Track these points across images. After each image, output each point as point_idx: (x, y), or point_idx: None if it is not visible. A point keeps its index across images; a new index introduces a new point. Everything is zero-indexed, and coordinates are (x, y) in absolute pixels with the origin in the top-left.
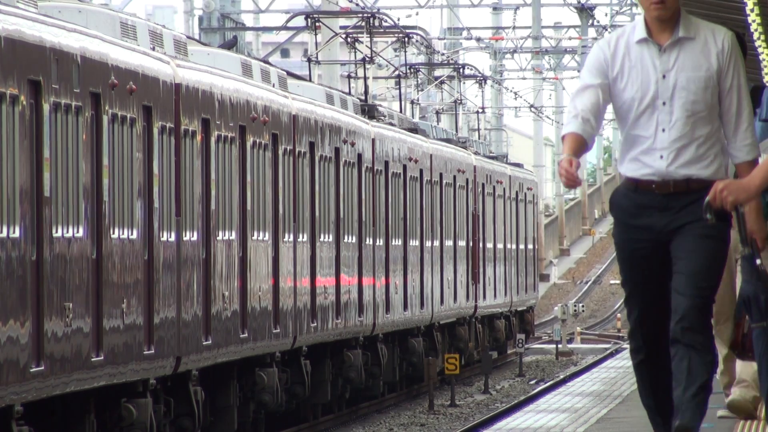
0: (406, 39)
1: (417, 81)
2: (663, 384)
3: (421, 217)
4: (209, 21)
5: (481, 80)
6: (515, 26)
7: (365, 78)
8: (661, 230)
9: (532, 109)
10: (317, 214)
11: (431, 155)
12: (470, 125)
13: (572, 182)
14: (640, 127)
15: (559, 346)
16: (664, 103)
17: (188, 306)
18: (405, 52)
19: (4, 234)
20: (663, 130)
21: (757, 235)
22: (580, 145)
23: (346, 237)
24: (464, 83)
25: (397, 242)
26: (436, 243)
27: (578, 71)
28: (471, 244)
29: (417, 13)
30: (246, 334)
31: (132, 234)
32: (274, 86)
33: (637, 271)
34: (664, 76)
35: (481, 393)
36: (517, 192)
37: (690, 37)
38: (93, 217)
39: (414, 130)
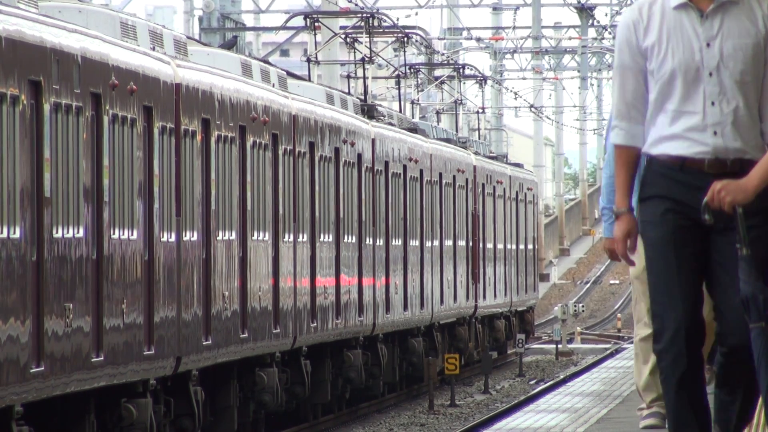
0: (406, 39)
1: (417, 81)
2: (702, 400)
3: (421, 217)
4: (209, 21)
5: (481, 80)
6: (515, 26)
7: (365, 78)
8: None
9: (532, 109)
10: (317, 214)
11: (431, 155)
12: (470, 125)
13: (624, 260)
14: (685, 102)
15: (559, 346)
16: (710, 74)
17: (188, 306)
18: (405, 52)
19: (5, 234)
20: (713, 104)
21: None
22: (634, 165)
23: (346, 237)
24: (464, 83)
25: (397, 242)
26: (436, 243)
27: (578, 71)
28: (471, 244)
29: (417, 13)
30: (246, 334)
31: (132, 234)
32: (274, 86)
33: (677, 253)
34: (708, 45)
35: (481, 393)
36: (517, 192)
37: (734, 1)
38: (93, 217)
39: (414, 130)
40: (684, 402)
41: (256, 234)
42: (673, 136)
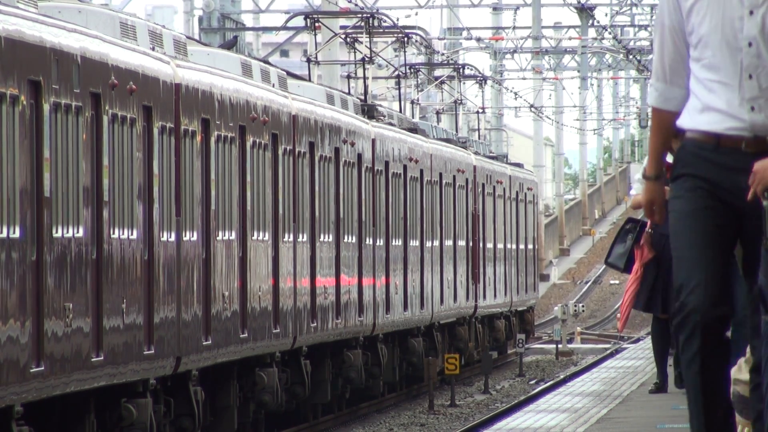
0: (406, 39)
1: (417, 81)
2: (720, 383)
3: (421, 217)
4: (209, 21)
5: (481, 80)
6: (515, 26)
7: (365, 78)
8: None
9: (532, 109)
10: (317, 214)
11: (431, 155)
12: (470, 125)
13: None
14: (720, 72)
15: (559, 346)
16: (750, 44)
17: (188, 306)
18: (405, 52)
19: (5, 234)
20: (750, 77)
21: None
22: (667, 130)
23: (346, 237)
24: (464, 83)
25: (397, 242)
26: (436, 243)
27: (578, 71)
28: (471, 244)
29: (417, 13)
30: (246, 334)
31: (132, 234)
32: (274, 86)
33: (704, 227)
34: (751, 13)
35: (481, 393)
36: (517, 192)
37: None
38: (93, 217)
39: (414, 130)
40: (702, 380)
41: (256, 234)
42: (707, 108)
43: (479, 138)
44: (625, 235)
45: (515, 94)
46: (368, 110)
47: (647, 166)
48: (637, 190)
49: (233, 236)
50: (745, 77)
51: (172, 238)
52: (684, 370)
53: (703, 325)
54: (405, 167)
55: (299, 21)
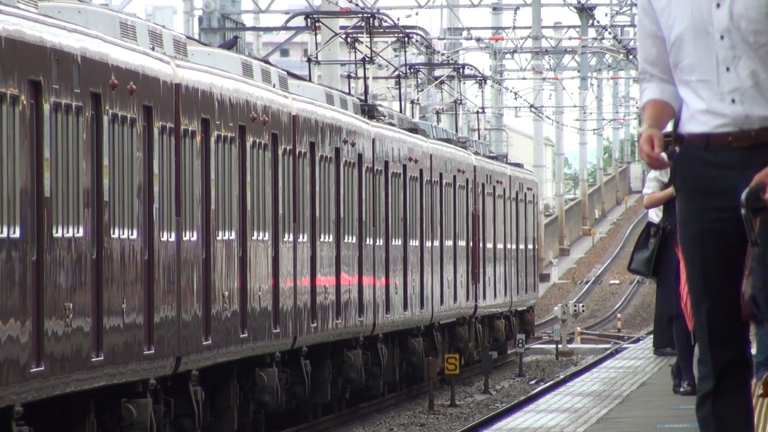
0: (406, 39)
1: (417, 81)
2: (736, 426)
3: (421, 217)
4: (209, 21)
5: (481, 80)
6: (515, 26)
7: (365, 78)
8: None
9: (532, 109)
10: (317, 214)
11: (431, 155)
12: (470, 125)
13: (656, 165)
14: (698, 71)
15: (559, 346)
16: (722, 37)
17: (188, 306)
18: (405, 52)
19: (5, 234)
20: (727, 69)
21: None
22: (662, 111)
23: (346, 237)
24: (464, 83)
25: (397, 242)
26: (436, 243)
27: (578, 71)
28: (471, 244)
29: (417, 13)
30: (246, 334)
31: (132, 234)
32: (274, 86)
33: (709, 257)
34: (718, 5)
35: (481, 393)
36: (517, 192)
37: None
38: (93, 217)
39: (414, 130)
40: (710, 421)
41: (256, 234)
42: (694, 111)
43: (479, 138)
44: (647, 240)
45: (515, 94)
46: (368, 110)
47: (644, 121)
48: (650, 188)
49: (233, 236)
50: (722, 71)
51: (172, 238)
52: (697, 406)
53: (714, 363)
54: (405, 167)
55: (299, 21)
